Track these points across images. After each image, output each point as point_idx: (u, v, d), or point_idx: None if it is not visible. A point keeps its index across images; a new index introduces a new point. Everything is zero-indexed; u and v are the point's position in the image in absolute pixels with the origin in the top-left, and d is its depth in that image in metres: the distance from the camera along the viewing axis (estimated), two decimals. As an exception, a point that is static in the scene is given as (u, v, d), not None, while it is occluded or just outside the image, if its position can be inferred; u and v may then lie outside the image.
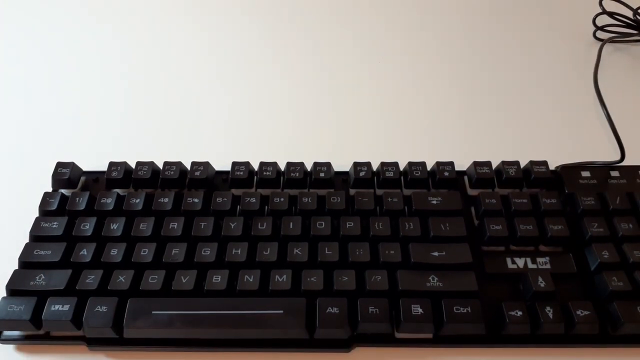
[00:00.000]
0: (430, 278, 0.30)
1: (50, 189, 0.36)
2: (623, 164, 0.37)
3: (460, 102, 0.45)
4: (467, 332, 0.29)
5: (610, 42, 0.48)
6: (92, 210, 0.34)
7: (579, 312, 0.29)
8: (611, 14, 0.48)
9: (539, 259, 0.32)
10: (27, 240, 0.33)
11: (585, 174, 0.36)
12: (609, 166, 0.36)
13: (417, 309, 0.29)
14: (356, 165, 0.36)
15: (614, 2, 0.49)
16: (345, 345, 0.30)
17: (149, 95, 0.46)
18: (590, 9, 0.49)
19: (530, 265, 0.32)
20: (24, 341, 0.30)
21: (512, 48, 0.49)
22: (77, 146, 0.42)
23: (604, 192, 0.34)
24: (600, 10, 0.48)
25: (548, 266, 0.32)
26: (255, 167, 0.37)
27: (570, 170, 0.36)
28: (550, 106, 0.44)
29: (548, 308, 0.29)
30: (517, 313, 0.29)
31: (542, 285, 0.30)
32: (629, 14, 0.48)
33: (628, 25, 0.48)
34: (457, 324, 0.29)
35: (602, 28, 0.48)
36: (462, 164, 0.37)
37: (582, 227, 0.33)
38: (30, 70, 0.48)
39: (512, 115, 0.43)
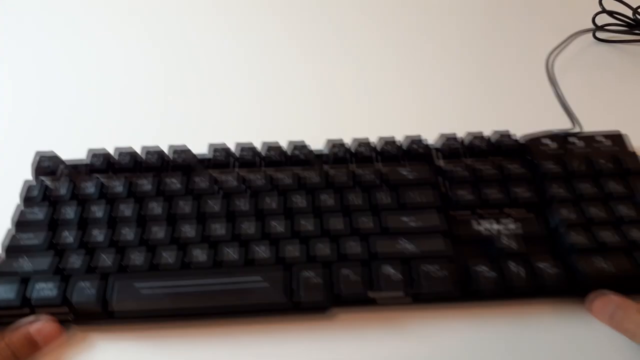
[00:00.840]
0: (402, 242, 0.32)
1: (30, 178, 0.37)
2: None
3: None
4: (438, 291, 0.31)
5: (610, 41, 0.49)
6: (74, 196, 0.35)
7: (541, 266, 0.31)
8: (611, 13, 0.48)
9: (504, 221, 0.34)
10: (9, 228, 0.33)
11: (547, 141, 0.38)
12: (569, 134, 0.39)
13: (390, 271, 0.30)
14: (330, 142, 0.38)
15: (614, 1, 0.49)
16: (323, 308, 0.31)
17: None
18: (590, 9, 0.49)
19: (496, 227, 0.34)
20: (8, 320, 0.30)
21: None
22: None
23: (565, 158, 0.36)
24: (600, 9, 0.49)
25: (513, 227, 0.34)
26: (233, 149, 0.38)
27: (533, 138, 0.38)
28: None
29: (512, 264, 0.31)
30: (484, 270, 0.31)
31: (506, 243, 0.32)
32: (628, 13, 0.49)
33: (628, 25, 0.49)
34: (428, 283, 0.30)
35: (601, 27, 0.48)
36: (427, 134, 0.38)
37: (545, 189, 0.35)
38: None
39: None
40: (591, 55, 0.48)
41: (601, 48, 0.49)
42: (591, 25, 0.48)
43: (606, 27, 0.48)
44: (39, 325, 0.30)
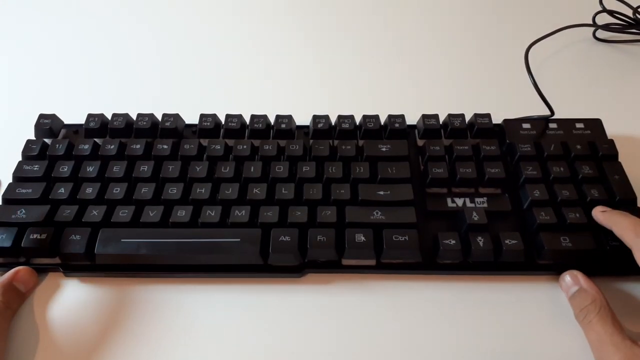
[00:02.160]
0: (374, 212, 0.33)
1: (33, 138, 0.39)
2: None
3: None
4: (405, 259, 0.32)
5: (610, 41, 0.49)
6: (70, 155, 0.37)
7: (507, 242, 0.32)
8: (611, 12, 0.49)
9: (477, 199, 0.35)
10: (10, 181, 0.36)
11: (526, 125, 0.39)
12: (549, 119, 0.40)
13: (360, 238, 0.32)
14: (315, 117, 0.39)
15: (614, 0, 0.49)
16: (297, 270, 0.33)
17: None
18: (591, 8, 0.50)
19: (469, 205, 0.35)
20: (4, 268, 0.33)
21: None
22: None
23: (542, 141, 0.37)
24: (600, 9, 0.49)
25: (485, 205, 0.35)
26: (222, 119, 0.40)
27: (512, 123, 0.39)
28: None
29: (480, 238, 0.32)
30: (450, 242, 0.32)
31: (475, 218, 0.33)
32: (629, 12, 0.49)
33: (628, 24, 0.49)
34: (396, 251, 0.32)
35: (602, 27, 0.49)
36: (413, 118, 0.40)
37: (518, 170, 0.36)
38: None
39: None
40: (589, 52, 0.49)
41: (599, 46, 0.49)
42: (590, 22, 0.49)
43: (606, 26, 0.49)
44: (17, 274, 0.32)
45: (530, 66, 0.44)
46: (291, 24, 0.53)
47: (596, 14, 0.49)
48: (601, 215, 0.33)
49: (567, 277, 0.32)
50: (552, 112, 0.41)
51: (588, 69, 0.47)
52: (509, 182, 0.36)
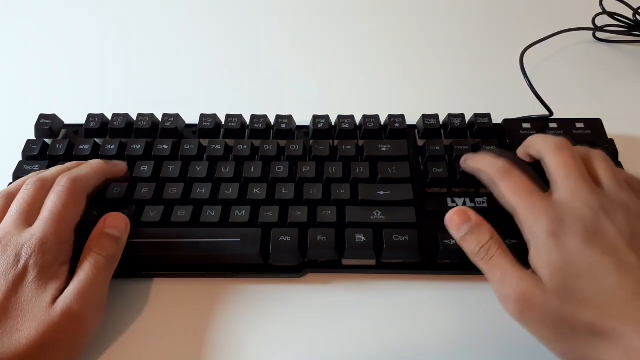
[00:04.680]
0: (374, 212, 0.33)
1: (33, 138, 0.39)
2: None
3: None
4: (405, 259, 0.32)
5: (610, 41, 0.49)
6: (71, 155, 0.37)
7: (508, 242, 0.32)
8: (611, 14, 0.49)
9: (478, 199, 0.35)
10: (10, 181, 0.36)
11: (526, 125, 0.39)
12: (549, 119, 0.40)
13: (360, 238, 0.32)
14: (315, 117, 0.39)
15: (614, 1, 0.49)
16: (297, 270, 0.33)
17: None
18: (591, 9, 0.50)
19: (469, 205, 0.35)
20: None
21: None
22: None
23: (542, 142, 0.37)
24: (600, 10, 0.49)
25: (485, 205, 0.35)
26: (222, 119, 0.40)
27: (512, 123, 0.39)
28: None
29: (479, 238, 0.32)
30: (450, 242, 0.32)
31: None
32: (629, 13, 0.49)
33: (628, 26, 0.49)
34: (396, 251, 0.32)
35: (601, 28, 0.49)
36: (413, 118, 0.40)
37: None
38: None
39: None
40: (589, 52, 0.49)
41: (600, 46, 0.49)
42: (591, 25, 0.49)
43: (606, 28, 0.49)
44: (106, 220, 0.31)
45: (531, 66, 0.44)
46: (291, 24, 0.53)
47: (596, 15, 0.50)
48: (466, 163, 0.33)
49: (455, 217, 0.30)
50: (551, 113, 0.41)
51: (588, 68, 0.47)
52: (509, 182, 0.36)
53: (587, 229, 0.26)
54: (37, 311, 0.27)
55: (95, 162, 0.34)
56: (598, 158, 0.30)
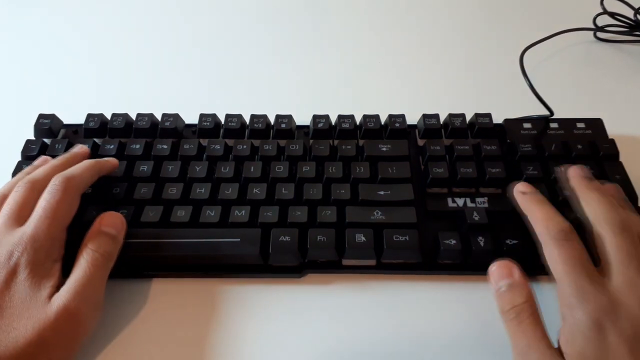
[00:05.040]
0: (374, 212, 0.33)
1: (32, 138, 0.39)
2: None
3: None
4: (405, 259, 0.32)
5: (611, 41, 0.49)
6: (70, 155, 0.37)
7: (508, 242, 0.32)
8: (612, 14, 0.49)
9: (478, 199, 0.35)
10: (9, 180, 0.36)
11: (527, 125, 0.39)
12: (549, 119, 0.39)
13: (361, 238, 0.32)
14: (315, 117, 0.39)
15: (615, 1, 0.49)
16: (297, 270, 0.33)
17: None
18: (591, 9, 0.50)
19: (469, 205, 0.35)
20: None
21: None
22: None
23: (543, 141, 0.37)
24: (601, 10, 0.49)
25: (486, 205, 0.35)
26: (222, 119, 0.39)
27: (513, 122, 0.39)
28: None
29: (480, 238, 0.32)
30: (451, 242, 0.32)
31: (476, 218, 0.33)
32: (630, 13, 0.49)
33: (629, 26, 0.49)
34: (396, 251, 0.32)
35: (602, 28, 0.49)
36: (414, 118, 0.40)
37: (519, 170, 0.36)
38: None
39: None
40: (590, 51, 0.49)
41: (601, 45, 0.49)
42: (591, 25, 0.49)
43: (606, 28, 0.49)
44: (103, 219, 0.31)
45: (532, 66, 0.44)
46: (291, 24, 0.53)
47: (597, 15, 0.49)
48: (520, 197, 0.31)
49: (501, 269, 0.28)
50: (552, 113, 0.40)
51: (589, 68, 0.47)
52: (510, 181, 0.35)
53: (636, 332, 0.24)
54: (33, 309, 0.27)
55: (87, 162, 0.34)
56: None
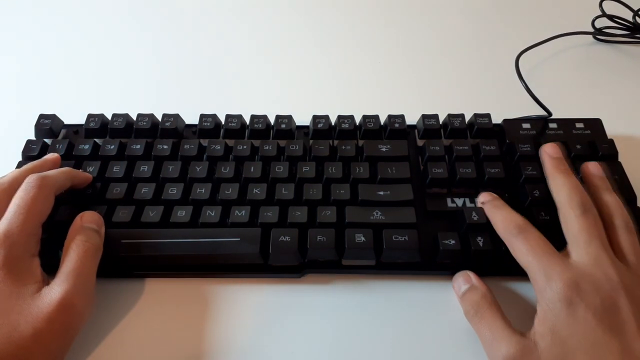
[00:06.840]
0: (374, 212, 0.33)
1: (33, 138, 0.39)
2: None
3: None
4: (404, 259, 0.32)
5: (610, 41, 0.49)
6: (70, 155, 0.37)
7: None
8: (611, 17, 0.49)
9: (477, 199, 0.35)
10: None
11: (526, 125, 0.39)
12: (548, 119, 0.40)
13: (360, 238, 0.32)
14: (315, 117, 0.39)
15: (614, 2, 0.50)
16: (297, 270, 0.33)
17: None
18: (590, 12, 0.50)
19: (469, 205, 0.35)
20: None
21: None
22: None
23: (541, 141, 0.37)
24: (600, 13, 0.49)
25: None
26: (222, 119, 0.40)
27: (512, 123, 0.39)
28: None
29: (479, 238, 0.32)
30: (450, 242, 0.32)
31: (475, 218, 0.33)
32: (629, 15, 0.49)
33: (628, 28, 0.49)
34: (396, 251, 0.32)
35: (601, 30, 0.49)
36: (413, 118, 0.40)
37: (518, 170, 0.36)
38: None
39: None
40: (589, 52, 0.49)
41: (600, 46, 0.49)
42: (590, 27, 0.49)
43: (605, 31, 0.49)
44: (83, 217, 0.31)
45: (532, 67, 0.44)
46: (291, 24, 0.53)
47: (595, 18, 0.50)
48: (483, 207, 0.33)
49: (460, 278, 0.32)
50: (550, 113, 0.41)
51: (588, 68, 0.47)
52: (509, 182, 0.36)
53: (603, 303, 0.25)
54: (22, 304, 0.27)
55: (62, 168, 0.34)
56: (621, 226, 0.29)
